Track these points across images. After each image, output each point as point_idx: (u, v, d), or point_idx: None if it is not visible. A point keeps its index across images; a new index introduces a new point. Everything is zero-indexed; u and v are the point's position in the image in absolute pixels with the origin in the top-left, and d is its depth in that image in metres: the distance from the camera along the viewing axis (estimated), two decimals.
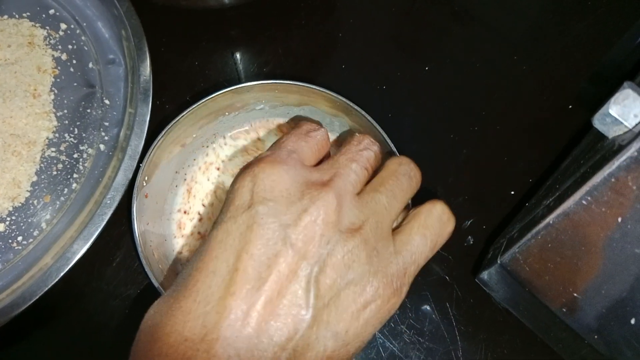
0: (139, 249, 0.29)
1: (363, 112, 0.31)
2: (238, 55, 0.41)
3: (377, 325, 0.22)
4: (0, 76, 0.36)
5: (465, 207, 0.36)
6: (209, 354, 0.19)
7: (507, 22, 0.44)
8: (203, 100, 0.31)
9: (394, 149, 0.31)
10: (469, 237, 0.35)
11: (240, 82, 0.32)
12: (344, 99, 0.32)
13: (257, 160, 0.23)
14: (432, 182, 0.36)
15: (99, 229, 0.31)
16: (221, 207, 0.23)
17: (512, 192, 0.36)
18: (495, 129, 0.39)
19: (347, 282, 0.21)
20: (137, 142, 0.34)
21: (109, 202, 0.32)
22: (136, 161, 0.33)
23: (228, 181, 0.35)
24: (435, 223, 0.24)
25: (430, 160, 0.34)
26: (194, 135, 0.34)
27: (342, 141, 0.33)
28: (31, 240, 0.33)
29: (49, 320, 0.33)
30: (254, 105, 0.34)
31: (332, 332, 0.20)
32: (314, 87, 0.32)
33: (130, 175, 0.33)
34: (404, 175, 0.25)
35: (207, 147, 0.35)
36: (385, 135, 0.31)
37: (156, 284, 0.28)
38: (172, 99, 0.38)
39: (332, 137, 0.35)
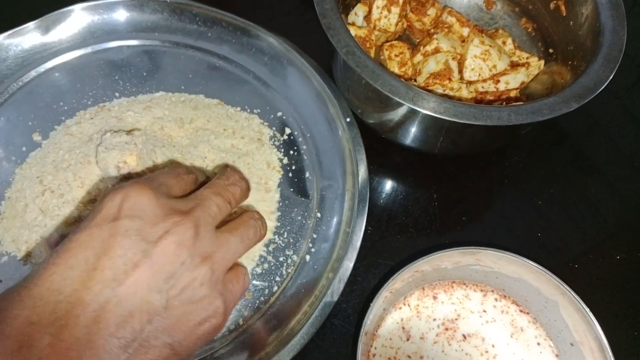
0: None
1: (581, 303, 0.31)
2: (436, 198, 0.42)
3: (206, 339, 0.25)
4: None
5: None
6: (56, 338, 0.21)
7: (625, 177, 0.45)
8: (434, 255, 0.32)
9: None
10: None
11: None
12: (566, 287, 0.31)
13: (129, 184, 0.26)
14: None
15: (302, 345, 0.32)
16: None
17: None
18: None
19: (193, 301, 0.24)
20: (348, 265, 0.35)
21: (317, 317, 0.32)
22: (344, 285, 0.34)
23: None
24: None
25: None
26: (409, 279, 0.34)
27: None
28: (226, 334, 0.33)
29: None
30: (470, 265, 0.34)
31: (170, 339, 0.23)
32: (535, 265, 0.32)
33: (335, 298, 0.34)
34: (254, 227, 0.29)
35: (419, 289, 0.36)
36: (601, 333, 0.30)
37: None
38: (373, 223, 0.40)
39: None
